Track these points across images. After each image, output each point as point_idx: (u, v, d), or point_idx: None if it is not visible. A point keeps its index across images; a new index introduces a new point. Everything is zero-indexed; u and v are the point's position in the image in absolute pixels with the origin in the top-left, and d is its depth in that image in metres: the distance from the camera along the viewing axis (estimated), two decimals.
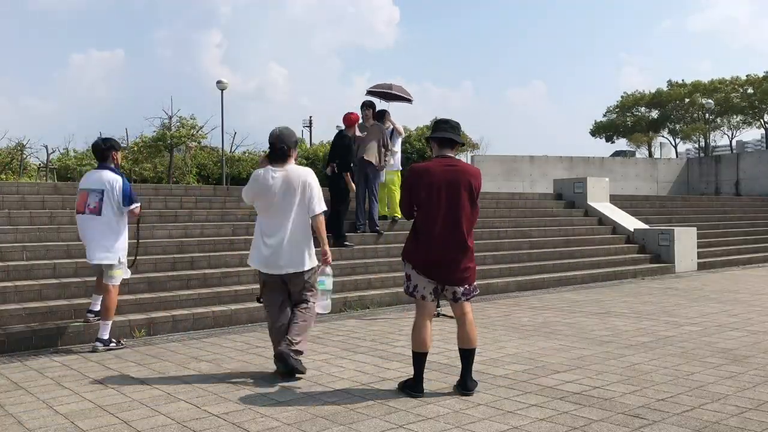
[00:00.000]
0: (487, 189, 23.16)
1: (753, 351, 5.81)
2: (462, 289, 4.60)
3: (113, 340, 6.26)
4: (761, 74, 49.30)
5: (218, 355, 5.93)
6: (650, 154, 56.36)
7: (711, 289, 10.26)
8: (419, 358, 4.57)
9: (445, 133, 4.69)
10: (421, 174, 4.58)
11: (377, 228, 10.56)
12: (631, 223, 14.32)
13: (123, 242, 6.30)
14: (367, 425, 3.93)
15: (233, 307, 7.56)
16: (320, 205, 5.22)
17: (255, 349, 6.13)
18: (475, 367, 5.29)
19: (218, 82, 31.81)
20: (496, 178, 24.72)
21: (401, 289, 9.11)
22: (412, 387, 4.56)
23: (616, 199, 15.79)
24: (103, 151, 6.31)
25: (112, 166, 6.32)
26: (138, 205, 6.40)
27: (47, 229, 8.29)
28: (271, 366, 5.46)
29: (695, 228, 14.17)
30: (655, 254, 13.29)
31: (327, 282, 5.19)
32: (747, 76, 50.48)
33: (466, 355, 4.62)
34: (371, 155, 10.34)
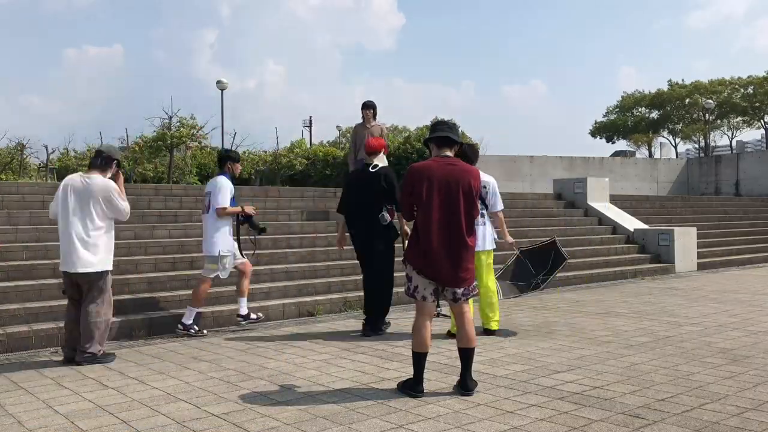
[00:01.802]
0: None
1: (753, 351, 5.81)
2: (461, 289, 4.61)
3: (194, 327, 6.89)
4: (762, 74, 49.32)
5: (218, 355, 5.93)
6: (650, 154, 56.36)
7: (711, 289, 10.26)
8: (419, 358, 4.57)
9: (443, 133, 4.71)
10: (421, 173, 4.58)
11: None
12: (631, 223, 14.32)
13: (221, 237, 6.93)
14: (367, 425, 3.93)
15: (233, 307, 7.56)
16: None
17: (255, 349, 6.13)
18: (475, 367, 5.28)
19: (218, 82, 31.75)
20: (495, 178, 24.69)
21: (401, 290, 9.09)
22: (412, 387, 4.56)
23: (616, 199, 15.79)
24: (222, 160, 7.33)
25: (226, 173, 7.14)
26: (233, 208, 7.01)
27: (47, 229, 8.28)
28: (270, 365, 5.47)
29: (695, 228, 14.16)
30: (655, 254, 13.28)
31: None
32: (748, 76, 50.51)
33: (466, 355, 4.62)
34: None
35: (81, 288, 5.74)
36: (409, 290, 4.68)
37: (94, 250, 5.67)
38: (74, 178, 5.81)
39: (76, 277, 5.69)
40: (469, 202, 4.57)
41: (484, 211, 6.67)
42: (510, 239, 7.03)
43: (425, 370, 4.64)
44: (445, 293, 4.64)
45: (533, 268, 7.39)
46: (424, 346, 4.56)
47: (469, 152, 6.41)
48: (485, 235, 6.62)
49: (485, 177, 6.68)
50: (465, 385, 4.58)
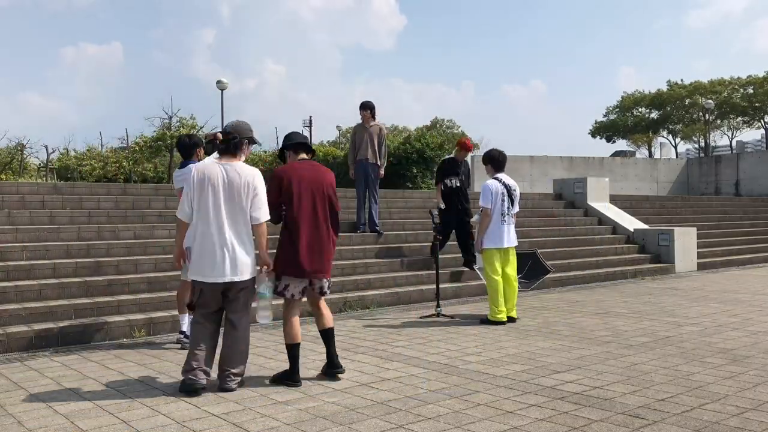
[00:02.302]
0: None
1: (753, 351, 5.81)
2: (327, 282, 5.07)
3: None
4: (761, 74, 49.32)
5: (218, 355, 5.91)
6: (650, 155, 56.37)
7: (711, 289, 10.26)
8: (293, 350, 4.92)
9: (297, 140, 5.23)
10: (289, 174, 4.95)
11: (377, 228, 10.57)
12: (631, 223, 14.32)
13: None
14: (367, 425, 3.93)
15: None
16: (265, 213, 4.83)
17: (255, 349, 6.12)
18: (475, 367, 5.30)
19: (218, 82, 31.77)
20: None
21: (401, 289, 9.12)
22: (290, 377, 4.90)
23: (616, 199, 15.78)
24: (189, 147, 6.42)
25: (196, 161, 6.22)
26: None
27: (47, 229, 8.29)
28: (270, 365, 5.46)
29: (695, 228, 14.16)
30: (655, 254, 13.28)
31: (267, 293, 4.89)
32: (748, 76, 50.51)
33: (329, 334, 5.07)
34: (371, 155, 10.35)
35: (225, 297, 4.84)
36: (278, 288, 4.96)
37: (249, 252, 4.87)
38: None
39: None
40: (332, 200, 5.06)
41: (513, 212, 7.65)
42: None
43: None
44: (313, 287, 5.01)
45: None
46: (296, 338, 4.92)
47: (499, 157, 7.66)
48: (513, 233, 7.68)
49: (513, 182, 7.79)
50: (333, 363, 5.04)
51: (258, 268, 4.87)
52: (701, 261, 13.66)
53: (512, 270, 7.56)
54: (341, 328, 7.26)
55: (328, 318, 5.12)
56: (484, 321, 7.41)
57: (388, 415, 4.11)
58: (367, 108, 10.42)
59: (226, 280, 4.69)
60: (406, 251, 10.50)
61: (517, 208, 7.71)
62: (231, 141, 4.83)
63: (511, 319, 7.41)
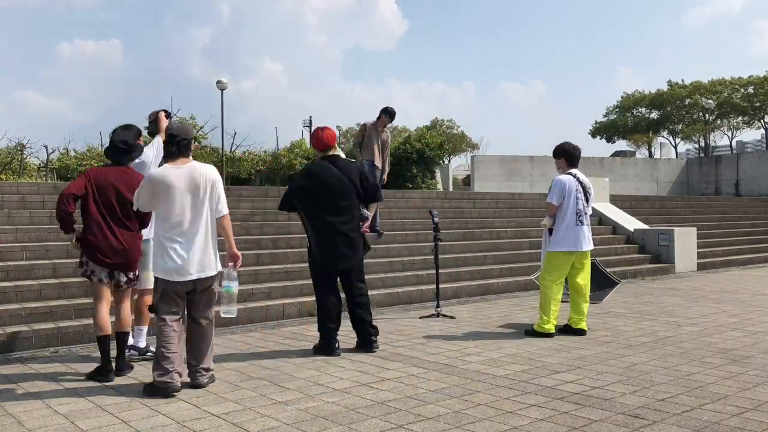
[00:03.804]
0: (487, 189, 23.21)
1: (753, 351, 5.81)
2: (128, 276, 5.24)
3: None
4: (762, 74, 49.36)
5: (218, 354, 5.92)
6: (650, 155, 56.39)
7: (711, 290, 10.26)
8: (102, 341, 5.07)
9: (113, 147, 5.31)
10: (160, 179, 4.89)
11: (377, 228, 10.57)
12: (630, 223, 14.33)
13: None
14: (367, 425, 3.93)
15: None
16: (225, 205, 4.93)
17: (255, 349, 6.13)
18: (475, 367, 5.30)
19: (218, 82, 31.76)
20: (496, 178, 24.74)
21: (401, 289, 9.12)
22: (99, 372, 5.02)
23: (616, 199, 15.80)
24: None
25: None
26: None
27: (47, 229, 8.29)
28: (271, 366, 5.46)
29: (695, 228, 14.16)
30: (654, 254, 13.28)
31: (233, 287, 4.90)
32: (748, 76, 50.55)
33: (124, 339, 5.28)
34: (377, 159, 10.33)
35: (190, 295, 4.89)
36: (86, 273, 5.17)
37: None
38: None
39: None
40: (128, 199, 5.10)
41: (588, 211, 6.90)
42: None
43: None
44: (111, 277, 5.16)
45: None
46: (106, 330, 5.09)
47: (573, 150, 6.97)
48: (590, 235, 6.93)
49: (587, 179, 7.07)
50: (117, 367, 5.15)
51: (229, 264, 4.94)
52: (701, 261, 13.67)
53: (586, 277, 6.81)
54: (341, 328, 7.25)
55: (123, 321, 5.30)
56: (529, 332, 6.67)
57: (388, 415, 4.11)
58: (389, 115, 10.36)
59: (193, 278, 4.74)
60: (406, 251, 10.50)
61: (590, 210, 6.94)
62: (180, 143, 4.83)
63: (580, 332, 6.64)
